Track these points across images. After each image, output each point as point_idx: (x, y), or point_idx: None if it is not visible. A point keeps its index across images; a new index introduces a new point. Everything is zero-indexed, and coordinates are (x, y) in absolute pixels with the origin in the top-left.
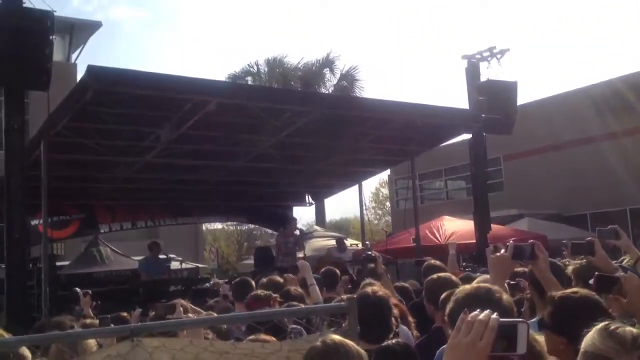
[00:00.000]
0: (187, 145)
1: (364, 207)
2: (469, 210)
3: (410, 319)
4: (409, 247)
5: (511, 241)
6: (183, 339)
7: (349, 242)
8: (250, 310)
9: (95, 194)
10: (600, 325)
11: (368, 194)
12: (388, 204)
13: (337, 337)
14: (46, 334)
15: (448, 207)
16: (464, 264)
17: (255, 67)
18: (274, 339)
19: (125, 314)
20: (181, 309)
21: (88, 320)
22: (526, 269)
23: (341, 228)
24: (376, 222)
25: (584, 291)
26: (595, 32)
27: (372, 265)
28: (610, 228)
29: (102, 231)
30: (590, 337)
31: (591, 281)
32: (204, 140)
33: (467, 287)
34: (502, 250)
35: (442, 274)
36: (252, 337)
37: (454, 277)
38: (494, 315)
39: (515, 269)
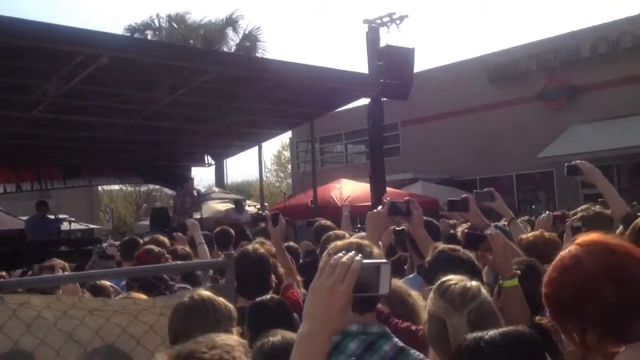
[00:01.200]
0: (77, 101)
1: (264, 169)
2: (368, 173)
3: (298, 277)
4: (307, 208)
5: (387, 198)
6: (49, 296)
7: (247, 203)
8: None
9: None
10: (437, 284)
11: (270, 156)
12: (290, 166)
13: (205, 292)
14: None
15: (347, 171)
16: (359, 225)
17: (156, 22)
18: (144, 297)
19: (3, 273)
20: (60, 270)
21: None
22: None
23: (242, 190)
24: (277, 184)
25: (461, 249)
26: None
27: (263, 224)
28: (486, 190)
29: None
30: (429, 297)
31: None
32: (96, 96)
33: (339, 242)
34: (380, 207)
35: (337, 231)
36: (123, 294)
37: (346, 234)
38: (357, 258)
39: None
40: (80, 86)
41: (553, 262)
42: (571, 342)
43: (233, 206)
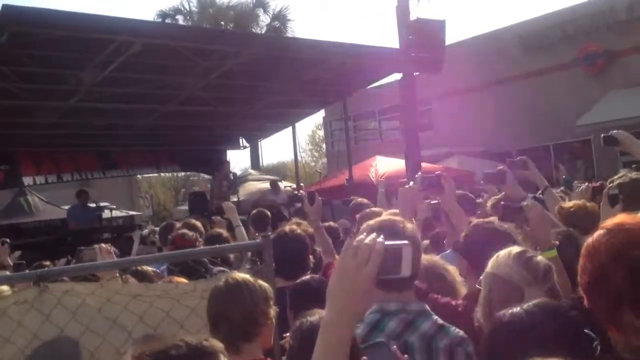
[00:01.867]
0: (112, 89)
1: (298, 149)
2: (403, 149)
3: (336, 256)
4: (343, 187)
5: (419, 174)
6: (93, 283)
7: (283, 184)
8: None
9: (18, 141)
10: (516, 251)
11: (305, 136)
12: (324, 145)
13: (240, 275)
14: None
15: (382, 147)
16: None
17: (186, 5)
18: (184, 280)
19: (48, 262)
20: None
21: None
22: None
23: (278, 171)
24: (313, 164)
25: (497, 222)
26: None
27: (300, 204)
28: (520, 159)
29: (25, 184)
30: (503, 261)
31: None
32: (131, 84)
33: (371, 221)
34: (412, 183)
35: (374, 209)
36: (166, 278)
37: (383, 211)
38: (380, 239)
39: None
40: (115, 74)
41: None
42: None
43: (269, 187)
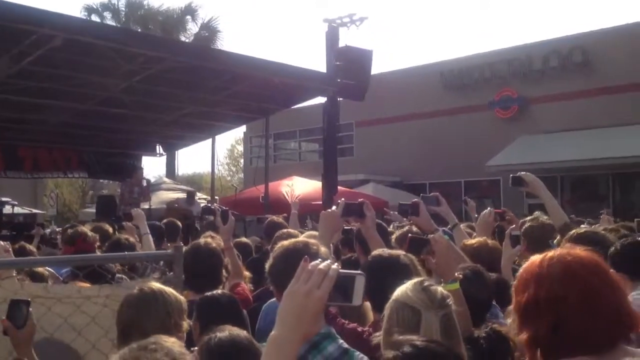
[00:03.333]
0: (26, 82)
1: (216, 162)
2: (320, 172)
3: (247, 273)
4: (258, 203)
5: (342, 199)
6: None
7: (198, 196)
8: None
9: None
10: (416, 280)
11: (223, 150)
12: (242, 161)
13: (155, 284)
14: None
15: (300, 168)
16: (309, 222)
17: (115, 3)
18: (89, 286)
19: None
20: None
21: None
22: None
23: (193, 182)
24: (229, 178)
25: (395, 252)
26: (450, 9)
27: (212, 217)
28: (432, 195)
29: None
30: (403, 288)
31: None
32: (48, 78)
33: (285, 242)
34: (334, 207)
35: (290, 230)
36: (69, 283)
37: (297, 233)
38: (334, 266)
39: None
40: (32, 67)
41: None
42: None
43: (185, 196)
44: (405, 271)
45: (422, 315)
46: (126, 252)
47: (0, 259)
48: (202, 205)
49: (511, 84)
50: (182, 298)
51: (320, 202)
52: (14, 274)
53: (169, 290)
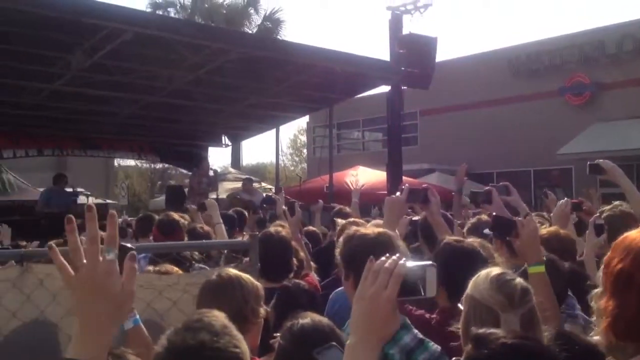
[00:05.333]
0: (99, 75)
1: (280, 152)
2: (384, 161)
3: (312, 264)
4: (322, 193)
5: (406, 185)
6: None
7: (262, 186)
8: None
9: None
10: (494, 272)
11: (286, 140)
12: (305, 151)
13: (232, 271)
14: None
15: (364, 158)
16: (375, 208)
17: (180, 0)
18: (176, 269)
19: (24, 242)
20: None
21: None
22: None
23: (257, 172)
24: (292, 168)
25: (466, 241)
26: None
27: (271, 207)
28: (502, 184)
29: (4, 157)
30: (480, 283)
31: (486, 230)
32: (119, 71)
33: (369, 232)
34: (398, 193)
35: (354, 219)
36: (152, 267)
37: (362, 221)
38: (401, 262)
39: None
40: (104, 60)
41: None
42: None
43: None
44: (478, 258)
45: (501, 316)
46: (204, 240)
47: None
48: (265, 194)
49: (583, 70)
50: (258, 284)
51: (385, 192)
52: None
53: (245, 276)
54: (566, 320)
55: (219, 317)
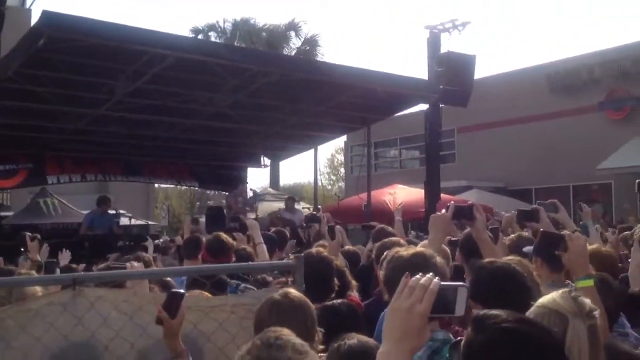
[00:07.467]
0: (142, 100)
1: (318, 172)
2: (421, 179)
3: (354, 282)
4: (360, 212)
5: (452, 202)
6: (127, 290)
7: (300, 205)
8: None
9: (45, 144)
10: (564, 289)
11: (323, 160)
12: (342, 170)
13: (297, 292)
14: None
15: (401, 176)
16: (412, 232)
17: (221, 24)
18: (206, 293)
19: (74, 266)
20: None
21: (23, 270)
22: None
23: (294, 193)
24: (330, 187)
25: (501, 261)
26: (554, 11)
27: (318, 225)
28: (550, 202)
29: (49, 182)
30: (550, 296)
31: (525, 248)
32: (160, 96)
33: (403, 253)
34: (443, 210)
35: (392, 238)
36: (196, 291)
37: (402, 241)
38: (435, 280)
39: None
40: (146, 85)
41: None
42: None
43: (284, 206)
44: (521, 280)
45: (570, 322)
46: (249, 262)
47: (128, 270)
48: (305, 213)
49: (622, 84)
50: (313, 307)
51: (423, 210)
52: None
53: (305, 298)
54: (616, 339)
55: (294, 335)
